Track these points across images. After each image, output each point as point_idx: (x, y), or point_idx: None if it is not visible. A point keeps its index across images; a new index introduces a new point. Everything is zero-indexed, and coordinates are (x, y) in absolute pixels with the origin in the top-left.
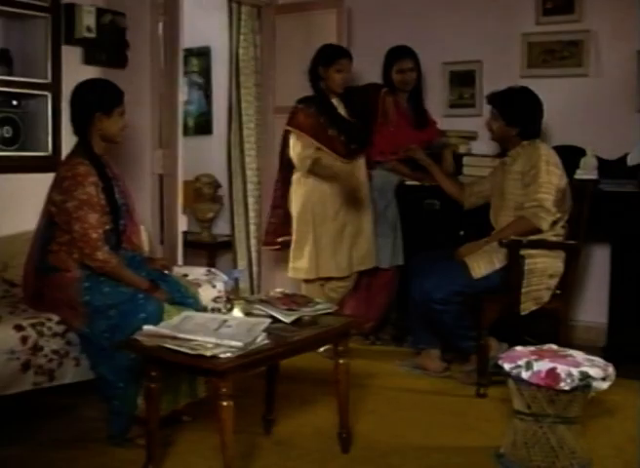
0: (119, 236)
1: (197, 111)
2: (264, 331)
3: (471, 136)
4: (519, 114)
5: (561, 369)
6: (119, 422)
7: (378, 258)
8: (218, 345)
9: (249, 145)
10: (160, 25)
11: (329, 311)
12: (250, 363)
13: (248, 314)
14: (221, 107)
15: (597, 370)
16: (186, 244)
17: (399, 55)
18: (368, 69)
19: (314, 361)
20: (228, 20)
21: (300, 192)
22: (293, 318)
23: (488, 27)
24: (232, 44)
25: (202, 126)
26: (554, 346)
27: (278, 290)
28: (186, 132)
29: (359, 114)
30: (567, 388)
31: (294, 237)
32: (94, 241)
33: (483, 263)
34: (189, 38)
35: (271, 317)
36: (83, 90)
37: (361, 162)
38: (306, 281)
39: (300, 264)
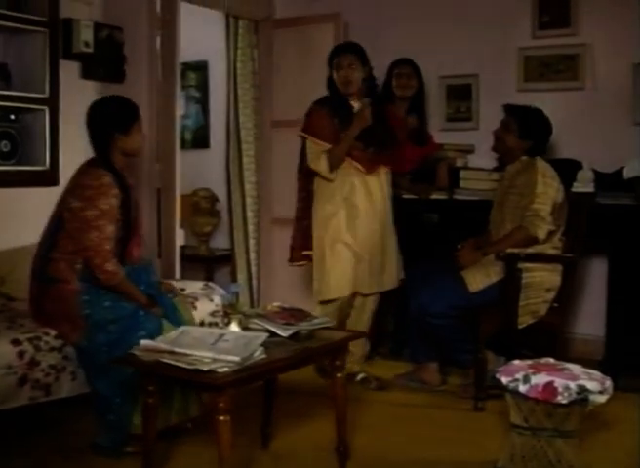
0: (124, 250)
1: (195, 125)
2: (262, 345)
3: (468, 150)
4: (535, 130)
5: (558, 382)
6: (114, 436)
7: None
8: (215, 360)
9: (247, 159)
10: (157, 40)
11: (327, 325)
12: (247, 377)
13: (245, 328)
14: (219, 121)
15: (595, 383)
16: (184, 258)
17: (398, 62)
18: None
19: (312, 375)
20: (226, 35)
21: (317, 205)
22: (290, 332)
23: (485, 41)
24: (230, 58)
25: (199, 140)
26: (552, 360)
27: (276, 304)
28: (184, 145)
29: (382, 119)
30: (564, 402)
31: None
32: (106, 252)
33: (480, 277)
34: (187, 52)
35: (269, 331)
36: (99, 111)
37: (383, 175)
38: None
39: (315, 285)
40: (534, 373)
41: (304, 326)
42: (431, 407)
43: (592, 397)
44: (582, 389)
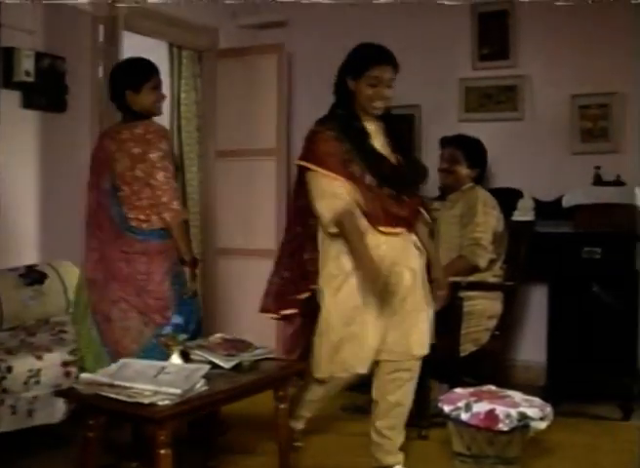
0: None
1: None
2: (203, 377)
3: None
4: (481, 157)
5: (500, 410)
6: None
7: None
8: (156, 392)
9: (191, 189)
10: (100, 69)
11: (269, 356)
12: (189, 410)
13: (187, 360)
14: None
15: (535, 410)
16: None
17: None
18: (310, 113)
19: (255, 406)
20: (169, 65)
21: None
22: (232, 363)
23: (426, 72)
24: (174, 88)
25: None
26: (493, 387)
27: (218, 335)
28: None
29: (403, 148)
30: (506, 429)
31: None
32: (173, 190)
33: None
34: None
35: (211, 363)
36: (114, 71)
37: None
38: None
39: (315, 353)
40: (475, 401)
41: (247, 357)
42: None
43: (533, 424)
44: (523, 416)
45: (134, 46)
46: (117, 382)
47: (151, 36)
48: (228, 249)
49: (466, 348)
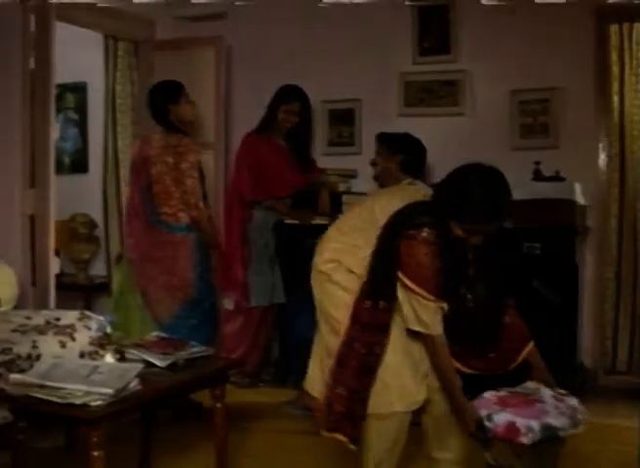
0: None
1: (73, 148)
2: (137, 376)
3: (351, 175)
4: (402, 143)
5: (520, 423)
6: None
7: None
8: (88, 393)
9: (125, 184)
10: (32, 60)
11: (206, 354)
12: (122, 410)
13: (121, 359)
14: (98, 145)
15: (563, 419)
16: (62, 286)
17: (289, 97)
18: (247, 106)
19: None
20: (104, 56)
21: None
22: (168, 362)
23: (366, 67)
24: (109, 80)
25: (78, 164)
26: (531, 384)
27: (154, 333)
28: (61, 170)
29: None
30: (528, 442)
31: None
32: (199, 194)
33: None
34: (64, 73)
35: (145, 362)
36: (152, 92)
37: None
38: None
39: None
40: (497, 411)
41: (182, 355)
42: (315, 434)
43: (563, 433)
44: (548, 428)
45: (67, 37)
46: (48, 383)
47: (85, 27)
48: None
49: None
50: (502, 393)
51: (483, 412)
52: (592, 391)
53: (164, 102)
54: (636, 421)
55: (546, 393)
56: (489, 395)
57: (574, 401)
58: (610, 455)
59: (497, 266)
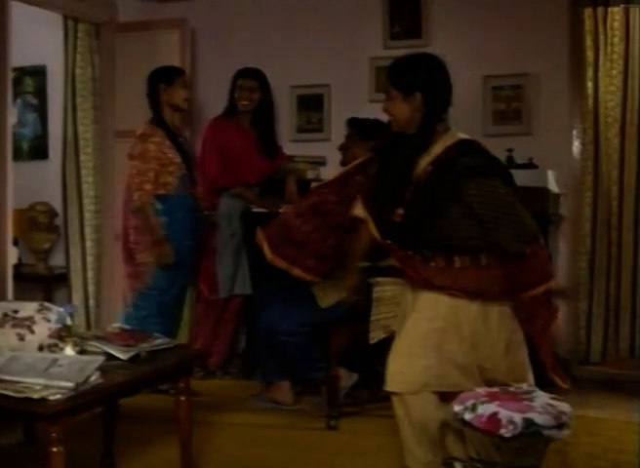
0: (193, 180)
1: (32, 134)
2: (98, 369)
3: (320, 162)
4: (374, 129)
5: (503, 414)
6: None
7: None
8: (47, 387)
9: (86, 171)
10: None
11: (169, 346)
12: (82, 404)
13: (82, 352)
14: (59, 131)
15: (547, 417)
16: (21, 277)
17: (242, 73)
18: (213, 90)
19: (155, 399)
20: (64, 38)
21: None
22: (130, 354)
23: (336, 51)
24: (68, 63)
25: (37, 150)
26: (526, 386)
27: (116, 325)
28: (20, 156)
29: None
30: (508, 435)
31: None
32: (140, 182)
33: (330, 292)
34: (23, 56)
35: (107, 354)
36: (151, 72)
37: None
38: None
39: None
40: (484, 402)
41: (145, 347)
42: (283, 427)
43: (547, 432)
44: (530, 423)
45: (24, 17)
46: (5, 377)
47: (43, 7)
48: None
49: (376, 335)
50: (495, 389)
51: (469, 402)
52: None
53: (156, 82)
54: (608, 413)
55: (540, 396)
56: (480, 389)
57: (565, 407)
58: (581, 447)
59: (434, 196)
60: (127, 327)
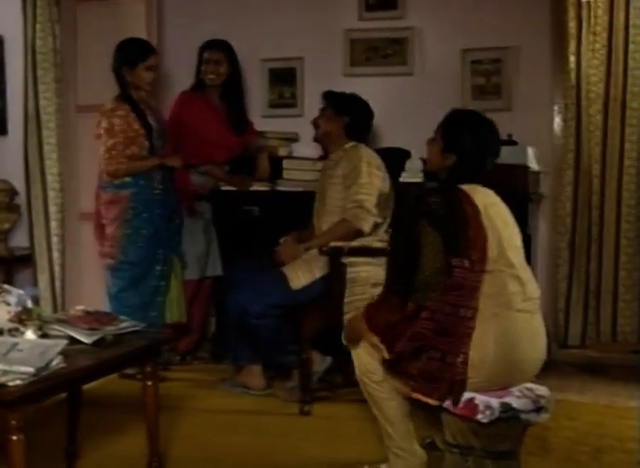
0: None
1: None
2: (61, 353)
3: (292, 138)
4: (348, 105)
5: (479, 399)
6: None
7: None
8: (5, 372)
9: (49, 148)
10: None
11: (135, 329)
12: (44, 390)
13: (43, 336)
14: (18, 105)
15: (525, 401)
16: None
17: (208, 46)
18: (180, 63)
19: (121, 384)
20: (22, 7)
21: None
22: (94, 338)
23: (309, 22)
24: (27, 34)
25: None
26: None
27: (79, 307)
28: None
29: None
30: (485, 421)
31: None
32: (110, 157)
33: (302, 273)
34: None
35: (70, 338)
36: (115, 49)
37: None
38: None
39: None
40: None
41: (110, 330)
42: (254, 412)
43: (525, 416)
44: (507, 407)
45: None
46: None
47: None
48: (92, 214)
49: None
50: None
51: None
52: (544, 365)
53: (120, 63)
54: (589, 397)
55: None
56: None
57: (544, 390)
58: (561, 431)
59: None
60: (90, 309)
